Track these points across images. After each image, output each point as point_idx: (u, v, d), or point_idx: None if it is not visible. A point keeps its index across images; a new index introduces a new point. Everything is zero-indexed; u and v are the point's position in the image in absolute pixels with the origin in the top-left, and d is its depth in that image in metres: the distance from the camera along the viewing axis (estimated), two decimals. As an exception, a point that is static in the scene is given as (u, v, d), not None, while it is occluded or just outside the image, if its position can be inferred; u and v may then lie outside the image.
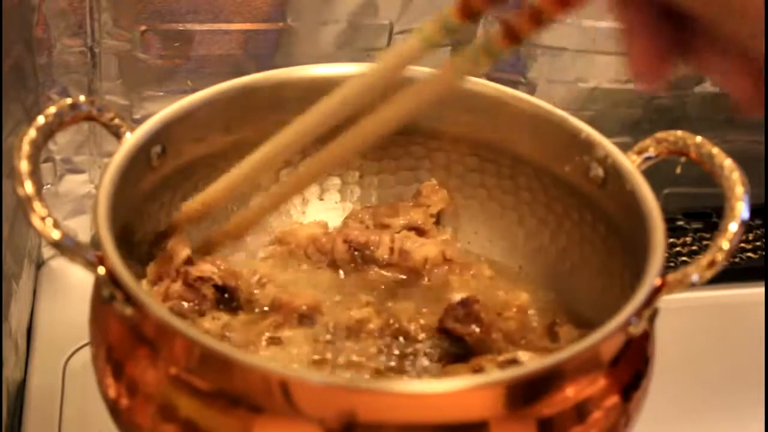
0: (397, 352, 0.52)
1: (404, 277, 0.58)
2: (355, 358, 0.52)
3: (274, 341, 0.52)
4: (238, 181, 0.53)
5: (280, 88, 0.58)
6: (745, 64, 0.37)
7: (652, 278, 0.46)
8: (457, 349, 0.52)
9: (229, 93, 0.56)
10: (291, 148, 0.51)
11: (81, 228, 0.74)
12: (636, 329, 0.45)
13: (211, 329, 0.52)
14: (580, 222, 0.57)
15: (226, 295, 0.54)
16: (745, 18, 0.34)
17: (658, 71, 0.38)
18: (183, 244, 0.55)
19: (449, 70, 0.45)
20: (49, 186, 0.72)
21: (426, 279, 0.58)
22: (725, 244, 0.47)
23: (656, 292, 0.46)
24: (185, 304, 0.53)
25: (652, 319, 0.47)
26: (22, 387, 0.64)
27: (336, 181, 0.63)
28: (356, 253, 0.58)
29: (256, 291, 0.55)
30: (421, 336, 0.53)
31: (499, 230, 0.61)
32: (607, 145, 0.54)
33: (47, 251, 0.74)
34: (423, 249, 0.58)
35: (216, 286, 0.54)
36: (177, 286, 0.53)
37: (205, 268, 0.54)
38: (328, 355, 0.51)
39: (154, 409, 0.44)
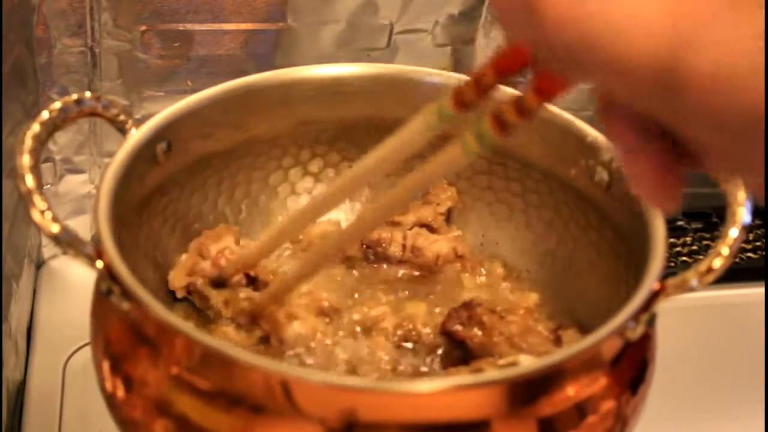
0: (402, 353, 0.53)
1: (417, 273, 0.58)
2: (362, 357, 0.52)
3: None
4: (286, 231, 0.52)
5: (288, 87, 0.58)
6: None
7: (650, 283, 0.46)
8: (460, 352, 0.52)
9: (236, 91, 0.56)
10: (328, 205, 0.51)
11: (81, 228, 0.73)
12: (634, 333, 0.45)
13: (230, 299, 0.52)
14: (587, 226, 0.57)
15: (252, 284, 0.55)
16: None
17: (665, 188, 0.33)
18: (231, 231, 0.56)
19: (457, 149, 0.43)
20: (49, 186, 0.72)
21: (438, 275, 0.58)
22: (725, 250, 0.47)
23: (654, 296, 0.46)
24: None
25: (651, 322, 0.47)
26: (22, 387, 0.64)
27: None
28: (369, 250, 0.58)
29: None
30: (428, 338, 0.53)
31: (507, 233, 0.61)
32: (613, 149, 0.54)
33: (47, 251, 0.74)
34: (435, 245, 0.58)
35: (247, 275, 0.55)
36: (206, 265, 0.54)
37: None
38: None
39: (154, 408, 0.44)
